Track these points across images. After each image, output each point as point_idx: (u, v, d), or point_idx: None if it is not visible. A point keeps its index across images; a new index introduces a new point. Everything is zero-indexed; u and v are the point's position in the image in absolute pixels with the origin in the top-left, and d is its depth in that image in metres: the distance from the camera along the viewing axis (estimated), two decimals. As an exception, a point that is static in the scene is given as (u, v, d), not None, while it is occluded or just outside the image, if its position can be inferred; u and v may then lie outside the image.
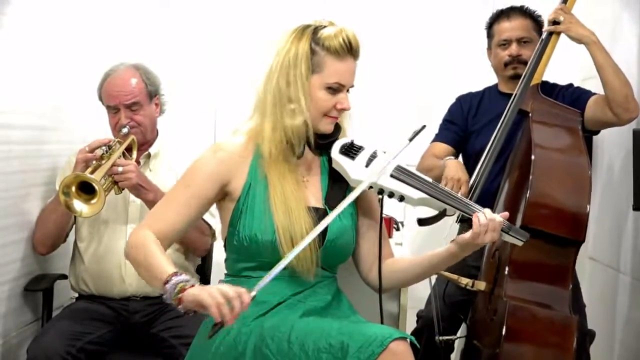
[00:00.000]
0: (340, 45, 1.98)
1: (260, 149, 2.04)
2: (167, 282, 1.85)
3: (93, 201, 2.53)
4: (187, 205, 2.01)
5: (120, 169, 2.60)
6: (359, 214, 2.14)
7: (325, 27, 2.01)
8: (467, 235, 1.96)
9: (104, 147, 2.65)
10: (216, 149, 2.05)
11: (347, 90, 2.04)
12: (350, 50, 2.00)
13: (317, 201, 2.06)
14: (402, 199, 2.01)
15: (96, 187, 2.51)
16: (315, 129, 2.03)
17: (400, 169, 2.02)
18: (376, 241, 2.10)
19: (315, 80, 1.99)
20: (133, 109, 2.78)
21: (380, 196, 2.03)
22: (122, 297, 2.76)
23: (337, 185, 2.08)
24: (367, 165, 2.02)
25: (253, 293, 1.80)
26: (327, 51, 1.98)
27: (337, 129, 2.08)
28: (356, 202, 2.09)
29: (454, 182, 2.79)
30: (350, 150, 2.05)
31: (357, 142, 2.07)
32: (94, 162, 2.61)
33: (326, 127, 2.04)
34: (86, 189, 2.54)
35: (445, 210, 2.03)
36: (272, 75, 2.02)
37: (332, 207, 2.02)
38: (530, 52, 2.88)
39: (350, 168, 2.02)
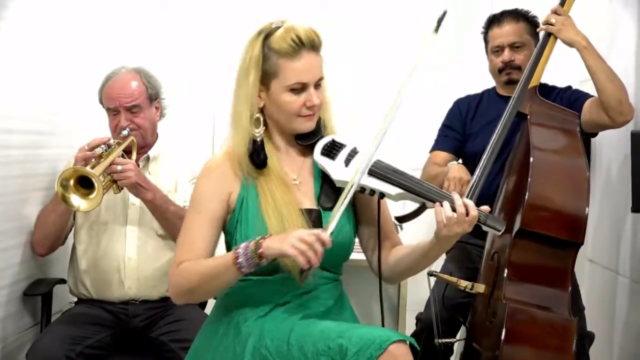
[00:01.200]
0: (289, 46, 1.94)
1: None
2: (236, 256, 1.87)
3: (91, 196, 2.52)
4: (205, 228, 2.00)
5: (119, 167, 2.60)
6: (357, 209, 2.13)
7: (278, 27, 1.98)
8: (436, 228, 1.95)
9: (103, 146, 2.65)
10: (209, 170, 2.05)
11: (318, 84, 2.01)
12: (302, 45, 1.96)
13: (310, 202, 2.06)
14: (382, 196, 2.00)
15: (94, 181, 2.50)
16: (293, 130, 2.04)
17: (379, 165, 2.00)
18: (377, 232, 2.10)
19: (276, 85, 1.97)
20: (133, 111, 2.79)
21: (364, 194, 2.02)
22: (122, 300, 2.75)
23: (329, 185, 2.06)
24: (346, 165, 2.01)
25: (329, 231, 1.85)
26: (278, 54, 1.95)
27: (319, 127, 2.06)
28: (352, 199, 2.08)
29: (455, 182, 2.79)
30: (332, 150, 2.03)
31: (338, 140, 2.06)
32: (93, 160, 2.61)
33: (304, 125, 2.02)
34: (84, 184, 2.53)
35: (424, 204, 2.01)
36: (235, 87, 2.03)
37: (325, 208, 2.03)
38: (524, 56, 2.89)
39: (331, 169, 2.01)
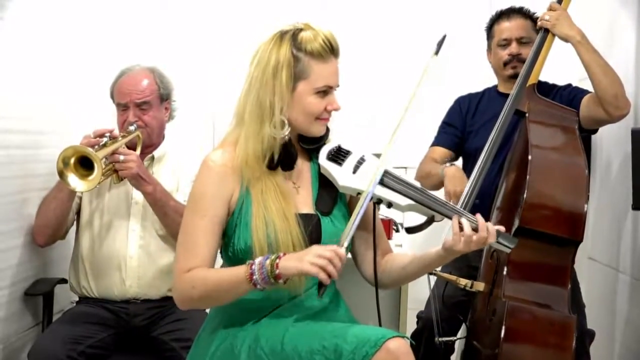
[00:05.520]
0: (322, 48, 1.95)
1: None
2: (251, 273, 1.87)
3: (90, 177, 2.52)
4: (210, 235, 1.98)
5: (121, 157, 2.61)
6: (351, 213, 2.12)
7: (302, 29, 1.98)
8: (448, 242, 1.95)
9: (107, 135, 2.64)
10: (211, 166, 2.00)
11: (336, 89, 2.03)
12: (332, 50, 1.98)
13: (308, 207, 2.05)
14: (390, 205, 2.00)
15: (94, 162, 2.50)
16: (308, 132, 2.03)
17: (388, 175, 2.00)
18: (371, 239, 2.09)
19: (303, 86, 1.97)
20: (143, 108, 2.79)
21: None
22: (123, 299, 2.76)
23: (326, 190, 2.07)
24: (354, 172, 2.01)
25: (345, 244, 1.86)
26: (310, 56, 1.95)
27: (326, 133, 2.07)
28: (348, 204, 2.11)
29: (457, 198, 2.73)
30: (338, 156, 2.04)
31: (344, 146, 2.06)
32: (96, 146, 2.60)
33: (319, 129, 2.02)
34: (85, 165, 2.53)
35: (433, 217, 2.01)
36: (252, 87, 1.99)
37: (322, 212, 2.03)
38: (530, 52, 2.89)
39: (338, 175, 2.01)
